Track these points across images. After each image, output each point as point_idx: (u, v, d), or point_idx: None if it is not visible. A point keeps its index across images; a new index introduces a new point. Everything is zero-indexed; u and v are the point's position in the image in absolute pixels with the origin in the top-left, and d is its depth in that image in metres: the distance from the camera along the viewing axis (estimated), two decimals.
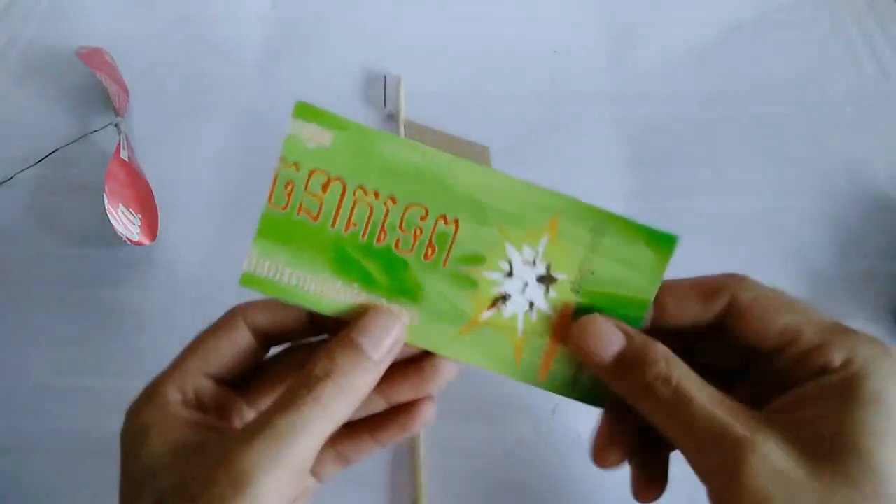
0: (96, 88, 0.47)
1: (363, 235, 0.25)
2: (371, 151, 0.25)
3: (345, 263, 0.25)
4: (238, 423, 0.25)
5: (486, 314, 0.25)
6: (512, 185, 0.25)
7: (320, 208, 0.25)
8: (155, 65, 0.49)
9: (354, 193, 0.25)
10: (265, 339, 0.25)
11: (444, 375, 0.25)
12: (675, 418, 0.21)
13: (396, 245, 0.25)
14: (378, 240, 0.25)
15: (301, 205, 0.25)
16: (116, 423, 0.24)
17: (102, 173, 0.39)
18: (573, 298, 0.25)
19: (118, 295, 0.40)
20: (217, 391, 0.24)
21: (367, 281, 0.24)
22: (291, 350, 0.27)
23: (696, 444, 0.21)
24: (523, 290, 0.25)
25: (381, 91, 0.47)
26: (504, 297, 0.25)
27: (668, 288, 0.25)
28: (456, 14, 0.52)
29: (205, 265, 0.40)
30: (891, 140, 0.45)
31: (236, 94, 0.48)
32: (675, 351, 0.23)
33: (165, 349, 0.38)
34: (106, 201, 0.38)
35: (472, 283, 0.25)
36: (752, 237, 0.41)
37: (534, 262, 0.25)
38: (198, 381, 0.24)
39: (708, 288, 0.25)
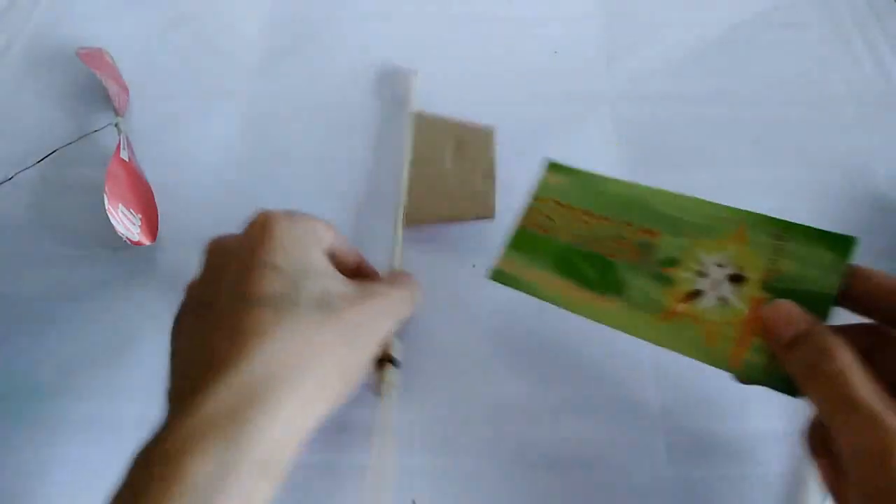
0: (96, 88, 0.47)
1: (583, 245, 0.32)
2: (593, 187, 0.34)
3: (565, 264, 0.32)
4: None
5: (682, 306, 0.29)
6: (702, 204, 0.32)
7: (554, 226, 0.33)
8: (155, 65, 0.49)
9: (580, 216, 0.33)
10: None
11: None
12: (834, 399, 0.23)
13: (607, 252, 0.31)
14: (592, 248, 0.32)
15: (541, 224, 0.33)
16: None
17: (102, 173, 0.39)
18: (763, 294, 0.28)
19: (118, 295, 0.40)
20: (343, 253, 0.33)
21: (581, 278, 0.31)
22: None
23: (850, 427, 0.22)
24: (716, 287, 0.29)
25: (379, 88, 0.47)
26: (698, 293, 0.29)
27: (866, 278, 0.27)
28: (456, 14, 0.52)
29: None
30: (890, 140, 0.45)
31: (237, 93, 0.48)
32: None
33: (166, 349, 0.38)
34: (106, 201, 0.38)
35: (668, 281, 0.30)
36: None
37: (724, 266, 0.29)
38: (337, 237, 0.32)
39: None
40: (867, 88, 0.47)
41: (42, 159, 0.43)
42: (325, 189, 0.43)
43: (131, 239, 0.39)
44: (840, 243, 0.28)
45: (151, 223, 0.41)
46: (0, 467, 0.35)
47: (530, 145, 0.45)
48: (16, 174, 0.43)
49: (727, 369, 0.27)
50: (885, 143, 0.44)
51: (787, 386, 0.26)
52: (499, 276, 0.33)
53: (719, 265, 0.29)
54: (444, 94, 0.47)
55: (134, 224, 0.39)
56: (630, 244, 0.31)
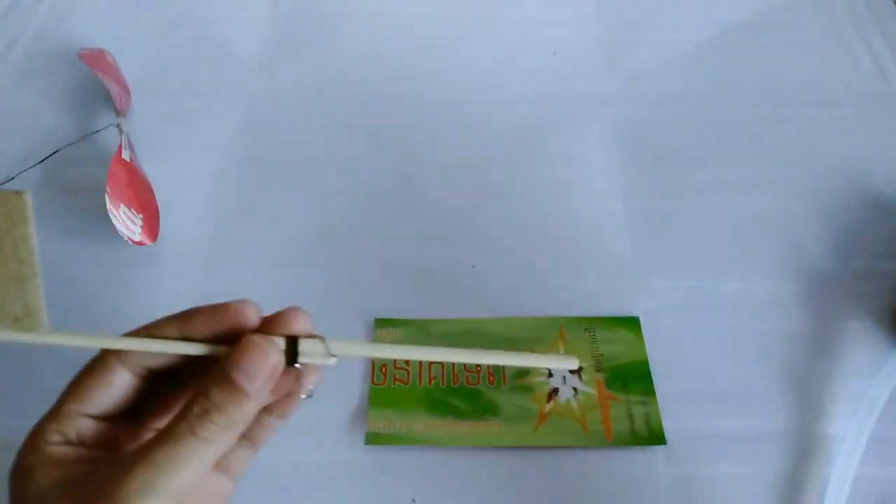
0: (98, 89, 0.47)
1: (442, 383, 0.35)
2: (426, 331, 0.37)
3: (436, 405, 0.34)
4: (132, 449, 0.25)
5: (549, 406, 0.34)
6: (524, 321, 0.38)
7: (408, 375, 0.35)
8: (156, 65, 0.50)
9: None
10: (143, 369, 0.25)
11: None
12: None
13: (467, 381, 0.35)
14: (454, 382, 0.35)
15: (395, 377, 0.35)
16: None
17: (104, 173, 0.39)
18: (600, 375, 0.35)
19: (119, 295, 0.40)
20: (101, 427, 0.24)
21: (456, 412, 0.34)
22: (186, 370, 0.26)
23: None
24: (564, 381, 0.35)
25: (381, 90, 0.47)
26: (555, 390, 0.35)
27: None
28: (456, 15, 0.52)
29: (206, 265, 0.41)
30: (888, 140, 0.45)
31: (238, 94, 0.48)
32: None
33: None
34: (107, 201, 0.38)
35: (528, 389, 0.35)
36: (750, 237, 0.41)
37: None
38: (78, 422, 0.23)
39: None
40: (866, 89, 0.47)
41: (44, 159, 0.44)
42: (325, 188, 0.43)
43: (133, 239, 0.39)
44: (630, 322, 0.37)
45: (152, 223, 0.41)
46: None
47: (531, 146, 0.45)
48: (17, 174, 0.43)
49: (608, 445, 0.33)
50: (883, 143, 0.45)
51: (655, 439, 0.33)
52: (375, 438, 0.34)
53: None
54: (445, 94, 0.48)
55: (135, 224, 0.39)
56: (482, 370, 0.36)
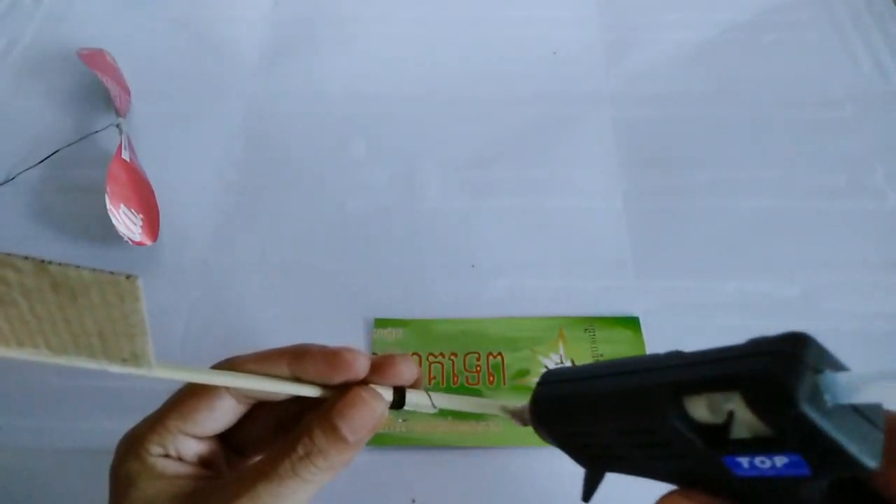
0: (98, 89, 0.47)
1: (442, 383, 0.36)
2: (428, 331, 0.37)
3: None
4: (226, 471, 0.26)
5: None
6: (524, 321, 0.37)
7: None
8: (156, 66, 0.50)
9: (428, 359, 0.36)
10: (253, 401, 0.25)
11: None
12: None
13: (467, 381, 0.35)
14: (454, 382, 0.35)
15: None
16: (117, 422, 0.25)
17: (104, 174, 0.39)
18: None
19: None
20: (200, 447, 0.25)
21: (456, 412, 0.30)
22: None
23: None
24: None
25: (381, 90, 0.47)
26: None
27: None
28: (456, 14, 0.52)
29: (206, 265, 0.41)
30: (889, 140, 0.45)
31: (238, 94, 0.48)
32: None
33: (167, 350, 0.38)
34: (107, 202, 0.38)
35: (528, 389, 0.32)
36: (750, 237, 0.41)
37: (563, 361, 0.36)
38: (178, 439, 0.24)
39: None
40: (866, 89, 0.47)
41: (44, 160, 0.44)
42: (325, 188, 0.43)
43: (133, 239, 0.39)
44: (630, 322, 0.37)
45: (152, 223, 0.41)
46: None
47: (531, 146, 0.45)
48: (17, 174, 0.43)
49: None
50: (884, 143, 0.45)
51: None
52: (375, 439, 0.33)
53: (559, 363, 0.36)
54: (444, 93, 0.48)
55: (135, 224, 0.39)
56: (482, 370, 0.36)
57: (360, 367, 0.23)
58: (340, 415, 0.23)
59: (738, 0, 0.52)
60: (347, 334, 0.37)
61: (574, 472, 0.33)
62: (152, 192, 0.42)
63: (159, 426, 0.24)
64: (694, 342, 0.38)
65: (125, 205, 0.39)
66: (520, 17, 0.52)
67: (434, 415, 0.33)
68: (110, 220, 0.38)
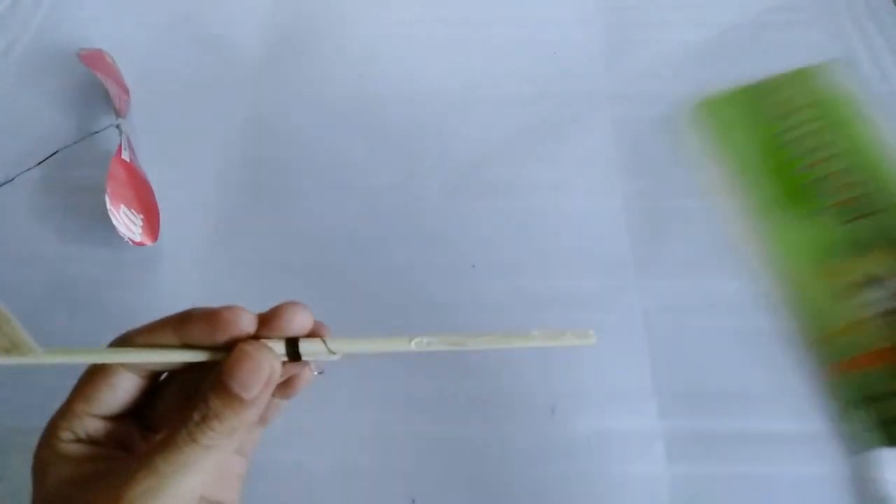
0: (97, 90, 0.47)
1: None
2: None
3: None
4: (141, 448, 0.26)
5: None
6: None
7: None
8: (156, 66, 0.50)
9: None
10: (150, 373, 0.25)
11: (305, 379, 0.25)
12: None
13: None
14: None
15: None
16: None
17: (104, 174, 0.39)
18: None
19: (120, 296, 0.40)
20: (111, 426, 0.24)
21: None
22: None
23: None
24: None
25: (381, 90, 0.47)
26: None
27: None
28: (456, 15, 0.52)
29: (207, 265, 0.41)
30: (889, 140, 0.45)
31: (237, 94, 0.48)
32: None
33: None
34: (108, 202, 0.38)
35: None
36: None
37: None
38: (86, 421, 0.24)
39: None
40: (866, 89, 0.47)
41: (44, 160, 0.44)
42: (325, 187, 0.43)
43: (133, 239, 0.39)
44: None
45: (153, 223, 0.41)
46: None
47: (531, 146, 0.45)
48: (17, 175, 0.43)
49: None
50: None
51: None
52: None
53: None
54: (444, 93, 0.48)
55: (135, 224, 0.39)
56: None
57: (244, 324, 0.23)
58: (228, 373, 0.22)
59: (738, 0, 0.52)
60: (348, 334, 0.37)
61: (574, 474, 0.33)
62: (152, 192, 0.42)
63: (67, 412, 0.24)
64: (694, 342, 0.39)
65: (125, 205, 0.39)
66: (520, 17, 0.52)
67: None
68: (110, 221, 0.38)
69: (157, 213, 0.41)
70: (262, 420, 0.26)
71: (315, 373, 0.25)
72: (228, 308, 0.23)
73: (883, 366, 0.24)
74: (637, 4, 0.52)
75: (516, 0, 0.53)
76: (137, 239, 0.39)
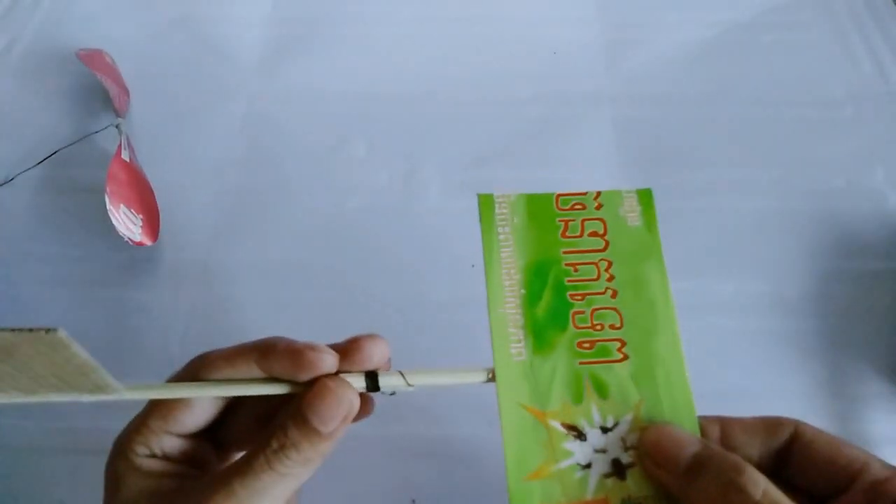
0: (97, 89, 0.47)
1: None
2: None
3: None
4: (214, 467, 0.26)
5: None
6: None
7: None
8: (155, 66, 0.50)
9: None
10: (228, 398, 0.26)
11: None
12: None
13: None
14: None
15: None
16: (117, 423, 0.25)
17: (104, 174, 0.39)
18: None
19: (120, 296, 0.40)
20: (186, 444, 0.25)
21: None
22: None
23: None
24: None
25: (381, 90, 0.47)
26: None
27: (733, 421, 0.25)
28: (456, 15, 0.52)
29: (206, 266, 0.41)
30: (889, 141, 0.45)
31: (237, 94, 0.48)
32: None
33: (167, 350, 0.38)
34: (107, 202, 0.38)
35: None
36: (750, 237, 0.41)
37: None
38: (162, 438, 0.24)
39: (771, 421, 0.25)
40: (866, 89, 0.47)
41: (43, 160, 0.44)
42: (325, 188, 0.43)
43: (133, 239, 0.39)
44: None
45: (152, 223, 0.41)
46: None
47: (530, 146, 0.45)
48: (17, 175, 0.43)
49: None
50: (884, 144, 0.45)
51: None
52: None
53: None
54: (444, 93, 0.48)
55: (135, 224, 0.39)
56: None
57: (326, 365, 0.23)
58: (309, 407, 0.23)
59: (738, 0, 0.52)
60: (349, 334, 0.37)
61: None
62: (152, 192, 0.42)
63: (143, 427, 0.24)
64: (694, 342, 0.39)
65: (125, 205, 0.39)
66: (520, 17, 0.52)
67: None
68: (110, 220, 0.38)
69: (157, 213, 0.41)
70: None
71: (389, 393, 0.25)
72: (312, 347, 0.23)
73: None
74: (637, 4, 0.52)
75: (516, 0, 0.53)
76: (137, 239, 0.39)
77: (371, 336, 0.24)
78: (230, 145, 0.46)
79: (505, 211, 0.29)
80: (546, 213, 0.29)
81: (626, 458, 0.24)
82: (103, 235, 0.40)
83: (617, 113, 0.46)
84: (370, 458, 0.34)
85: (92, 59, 0.47)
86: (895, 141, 0.45)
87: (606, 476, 0.24)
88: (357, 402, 0.24)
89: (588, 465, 0.24)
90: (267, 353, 0.23)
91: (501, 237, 0.28)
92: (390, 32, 0.51)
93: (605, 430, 0.24)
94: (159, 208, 0.42)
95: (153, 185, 0.42)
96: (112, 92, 0.45)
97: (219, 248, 0.41)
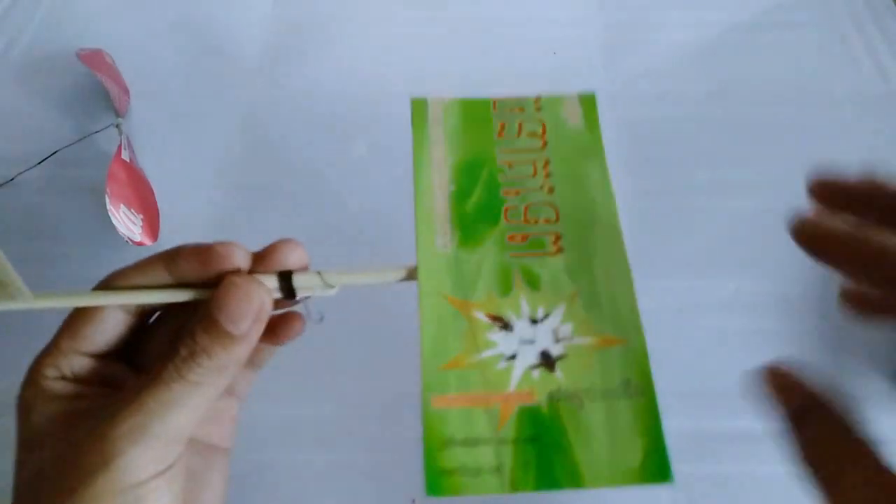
0: (97, 89, 0.47)
1: None
2: None
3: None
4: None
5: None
6: None
7: None
8: (155, 65, 0.50)
9: None
10: (139, 309, 0.24)
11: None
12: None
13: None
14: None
15: None
16: None
17: (104, 174, 0.39)
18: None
19: None
20: (98, 365, 0.24)
21: None
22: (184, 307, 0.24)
23: None
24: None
25: (379, 88, 0.47)
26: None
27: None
28: (456, 15, 0.52)
29: None
30: (890, 140, 0.45)
31: (237, 94, 0.48)
32: None
33: None
34: (108, 202, 0.38)
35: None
36: (751, 237, 0.41)
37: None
38: (72, 359, 0.23)
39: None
40: (866, 89, 0.47)
41: (43, 160, 0.44)
42: (325, 188, 0.43)
43: (133, 239, 0.39)
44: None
45: (153, 223, 0.41)
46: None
47: None
48: (17, 175, 0.43)
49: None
50: (884, 143, 0.45)
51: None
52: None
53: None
54: (444, 93, 0.47)
55: (135, 224, 0.39)
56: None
57: (237, 258, 0.22)
58: (217, 306, 0.21)
59: (738, 0, 0.52)
60: (350, 334, 0.37)
61: None
62: (152, 192, 0.42)
63: (53, 349, 0.23)
64: (694, 342, 0.39)
65: (125, 205, 0.39)
66: (520, 17, 0.52)
67: None
68: (110, 220, 0.38)
69: (157, 213, 0.41)
70: (255, 363, 0.26)
71: (317, 319, 0.24)
72: (222, 243, 0.22)
73: (462, 409, 0.22)
74: (637, 4, 0.52)
75: (516, 0, 0.53)
76: (137, 239, 0.39)
77: (288, 239, 0.23)
78: (230, 145, 0.46)
79: (439, 113, 0.28)
80: (481, 116, 0.28)
81: (556, 350, 0.23)
82: (103, 235, 0.40)
83: (617, 113, 0.46)
84: (370, 458, 0.34)
85: (92, 59, 0.47)
86: (895, 141, 0.45)
87: (533, 367, 0.23)
88: (269, 301, 0.22)
89: (513, 357, 0.23)
90: (175, 255, 0.23)
91: (433, 138, 0.28)
92: (390, 32, 0.51)
93: (534, 321, 0.24)
94: (159, 208, 0.42)
95: (153, 184, 0.42)
96: (112, 92, 0.45)
97: None
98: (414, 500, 0.33)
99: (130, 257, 0.40)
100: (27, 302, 0.21)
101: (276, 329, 0.24)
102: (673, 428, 0.34)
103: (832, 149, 0.45)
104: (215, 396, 0.22)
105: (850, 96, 0.47)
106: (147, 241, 0.40)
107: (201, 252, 0.22)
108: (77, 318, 0.24)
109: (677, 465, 0.34)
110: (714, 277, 0.39)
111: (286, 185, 0.44)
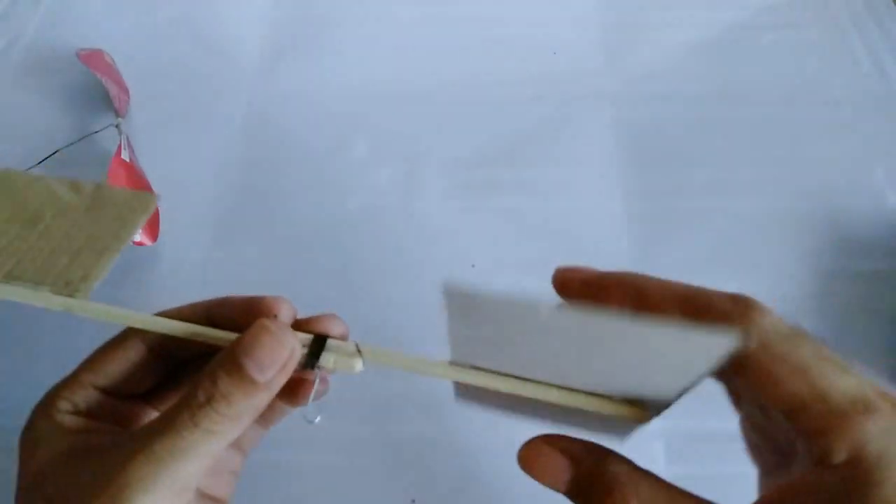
0: (97, 89, 0.47)
1: None
2: None
3: None
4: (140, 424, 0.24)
5: None
6: None
7: None
8: (155, 65, 0.50)
9: None
10: (164, 350, 0.24)
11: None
12: None
13: None
14: None
15: None
16: None
17: (104, 174, 0.39)
18: None
19: (120, 295, 0.40)
20: (113, 402, 0.23)
21: None
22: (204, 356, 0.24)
23: None
24: None
25: (381, 90, 0.47)
26: None
27: (652, 287, 0.21)
28: (456, 15, 0.52)
29: (206, 265, 0.41)
30: (889, 140, 0.45)
31: (237, 94, 0.48)
32: None
33: None
34: None
35: None
36: (751, 237, 0.41)
37: None
38: (89, 393, 0.23)
39: (702, 305, 0.20)
40: (866, 89, 0.47)
41: (43, 160, 0.44)
42: (325, 188, 0.43)
43: (133, 239, 0.39)
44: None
45: (152, 223, 0.41)
46: None
47: (530, 146, 0.45)
48: None
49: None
50: (883, 143, 0.45)
51: None
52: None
53: None
54: (444, 93, 0.48)
55: None
56: None
57: (282, 313, 0.21)
58: (244, 349, 0.20)
59: (738, 0, 0.52)
60: (349, 333, 0.37)
61: None
62: (152, 192, 0.42)
63: (71, 381, 0.23)
64: None
65: None
66: (520, 17, 0.52)
67: None
68: None
69: (157, 213, 0.41)
70: (266, 419, 0.25)
71: (312, 418, 0.23)
72: (274, 297, 0.21)
73: None
74: (637, 4, 0.52)
75: (516, 0, 0.53)
76: (137, 239, 0.39)
77: (332, 314, 0.22)
78: (230, 145, 0.46)
79: None
80: None
81: None
82: None
83: (617, 113, 0.46)
84: (370, 458, 0.34)
85: (92, 59, 0.47)
86: (895, 141, 0.45)
87: None
88: (298, 351, 0.21)
89: None
90: (221, 303, 0.22)
91: None
92: (390, 32, 0.51)
93: None
94: (159, 208, 0.42)
95: (153, 184, 0.42)
96: (112, 92, 0.45)
97: (219, 248, 0.41)
98: (414, 501, 0.33)
99: (130, 257, 0.40)
100: (78, 302, 0.20)
101: (296, 389, 0.23)
102: (672, 428, 0.34)
103: (832, 149, 0.45)
104: (226, 445, 0.21)
105: (850, 96, 0.47)
106: (147, 242, 0.40)
107: (249, 302, 0.21)
108: (100, 354, 0.23)
109: (677, 465, 0.34)
110: (714, 277, 0.39)
111: (286, 185, 0.44)
